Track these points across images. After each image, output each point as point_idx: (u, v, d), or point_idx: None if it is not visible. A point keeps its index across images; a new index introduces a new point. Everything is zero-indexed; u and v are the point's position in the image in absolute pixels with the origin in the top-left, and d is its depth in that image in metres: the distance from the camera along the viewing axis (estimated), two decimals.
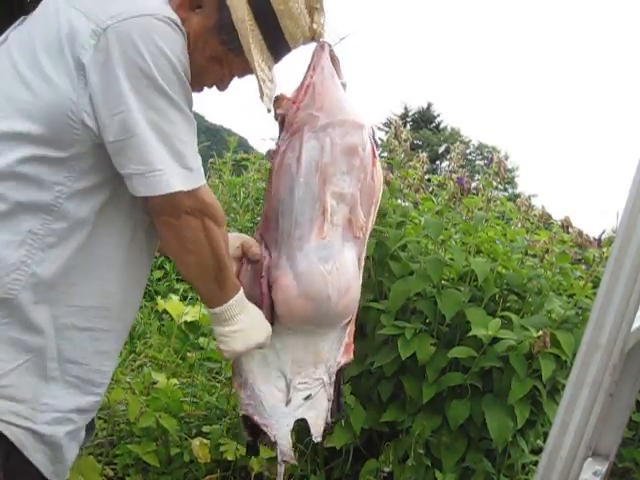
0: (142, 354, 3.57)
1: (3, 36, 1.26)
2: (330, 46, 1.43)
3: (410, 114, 38.68)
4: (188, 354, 3.50)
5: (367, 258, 2.55)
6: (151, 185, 1.15)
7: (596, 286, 2.27)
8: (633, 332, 1.26)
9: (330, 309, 1.42)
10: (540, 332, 2.23)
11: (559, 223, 2.61)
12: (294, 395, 1.51)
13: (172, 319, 3.62)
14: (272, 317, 1.42)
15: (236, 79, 1.38)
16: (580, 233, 2.49)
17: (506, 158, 2.65)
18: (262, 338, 1.38)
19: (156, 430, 2.51)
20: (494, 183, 2.62)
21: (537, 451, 2.62)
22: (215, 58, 1.28)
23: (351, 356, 1.57)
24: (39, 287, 1.15)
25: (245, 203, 5.04)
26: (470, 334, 2.29)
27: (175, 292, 4.29)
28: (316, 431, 1.55)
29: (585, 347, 1.15)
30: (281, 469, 1.53)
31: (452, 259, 2.49)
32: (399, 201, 2.76)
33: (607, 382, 1.16)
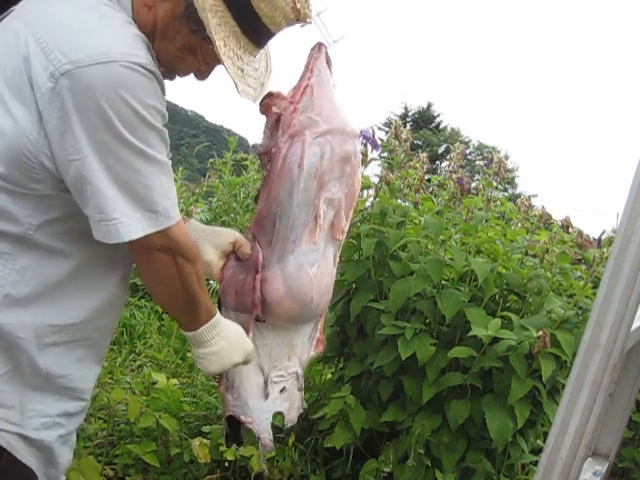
0: (142, 354, 3.57)
1: None
2: (326, 47, 1.43)
3: (410, 114, 38.66)
4: (188, 354, 3.50)
5: (367, 258, 2.56)
6: (105, 233, 1.14)
7: (596, 286, 2.27)
8: (633, 332, 1.26)
9: (311, 309, 1.49)
10: (540, 332, 2.23)
11: (559, 223, 2.61)
12: (271, 388, 1.56)
13: (172, 319, 3.62)
14: (263, 312, 1.46)
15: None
16: (580, 233, 2.49)
17: (506, 158, 2.66)
18: (239, 358, 1.39)
19: (156, 430, 2.51)
20: (494, 183, 2.62)
21: (537, 451, 2.62)
22: (188, 48, 1.21)
23: (321, 348, 1.63)
24: (15, 307, 1.15)
25: (245, 203, 5.03)
26: (470, 334, 2.29)
27: None
28: (290, 419, 1.61)
29: (585, 347, 1.15)
30: (264, 459, 1.65)
31: (452, 259, 2.49)
32: (399, 201, 2.76)
33: (607, 382, 1.16)
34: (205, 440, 2.49)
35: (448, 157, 2.96)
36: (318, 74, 1.41)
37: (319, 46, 1.42)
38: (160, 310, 3.89)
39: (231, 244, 1.47)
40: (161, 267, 1.21)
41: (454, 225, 2.68)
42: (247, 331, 1.44)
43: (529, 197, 2.95)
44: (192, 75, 1.31)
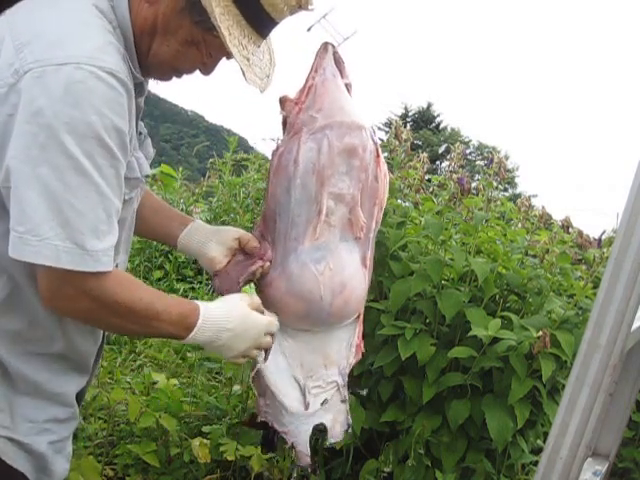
0: (142, 354, 3.57)
1: None
2: (334, 47, 1.44)
3: (410, 114, 38.67)
4: (188, 354, 3.50)
5: None
6: (15, 246, 1.03)
7: (596, 286, 2.27)
8: (633, 332, 1.26)
9: (323, 309, 1.44)
10: (540, 332, 2.23)
11: (559, 223, 2.61)
12: (311, 400, 1.51)
13: None
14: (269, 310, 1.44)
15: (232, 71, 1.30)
16: (580, 233, 2.49)
17: (506, 158, 2.66)
18: (254, 336, 1.32)
19: (156, 430, 2.51)
20: (494, 183, 2.62)
21: (537, 451, 2.62)
22: (191, 41, 1.19)
23: (360, 356, 1.58)
24: None
25: (245, 203, 5.04)
26: (470, 334, 2.29)
27: (175, 292, 4.29)
28: (334, 435, 1.55)
29: (585, 347, 1.15)
30: (294, 473, 1.56)
31: (452, 259, 2.49)
32: (399, 201, 2.76)
33: (607, 382, 1.16)
34: (205, 440, 2.49)
35: (448, 157, 2.96)
36: (323, 72, 1.41)
37: (325, 46, 1.42)
38: None
39: (236, 240, 1.45)
40: (76, 315, 1.14)
41: (454, 225, 2.68)
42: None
43: (529, 197, 2.95)
44: (196, 72, 1.28)
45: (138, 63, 1.19)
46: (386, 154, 2.90)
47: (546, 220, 2.68)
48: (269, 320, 1.36)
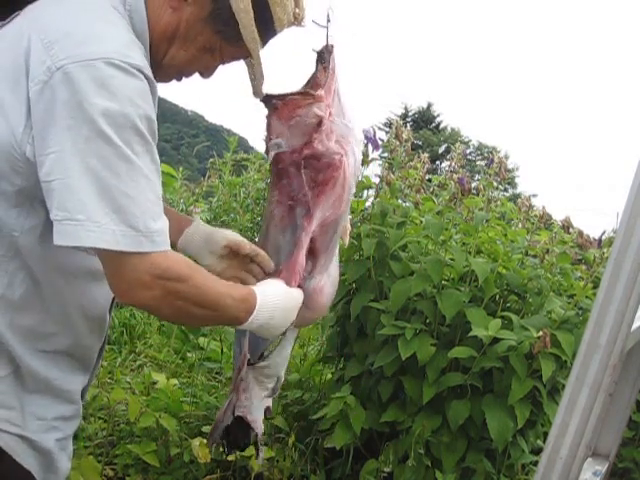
0: (142, 354, 3.57)
1: None
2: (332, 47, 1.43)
3: (410, 114, 38.69)
4: (188, 354, 3.50)
5: (367, 258, 2.56)
6: (63, 234, 1.05)
7: (596, 286, 2.27)
8: (633, 332, 1.26)
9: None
10: (540, 332, 2.23)
11: (559, 223, 2.61)
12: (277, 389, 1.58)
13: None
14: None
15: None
16: (580, 233, 2.49)
17: (506, 158, 2.66)
18: (296, 308, 1.36)
19: (156, 430, 2.51)
20: (495, 183, 2.62)
21: (537, 451, 2.62)
22: (208, 48, 1.25)
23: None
24: (8, 309, 1.15)
25: (245, 203, 5.04)
26: (470, 334, 2.29)
27: None
28: (269, 412, 1.62)
29: (585, 347, 1.15)
30: (262, 454, 1.67)
31: (452, 259, 2.49)
32: (400, 201, 2.76)
33: (607, 382, 1.16)
34: (205, 440, 2.49)
35: (448, 157, 2.96)
36: (337, 78, 1.42)
37: (332, 47, 1.42)
38: None
39: (226, 247, 1.44)
40: (155, 303, 1.13)
41: (454, 225, 2.68)
42: None
43: (529, 197, 2.95)
44: (196, 74, 1.33)
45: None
46: (386, 154, 2.90)
47: (546, 220, 2.68)
48: (300, 292, 1.39)
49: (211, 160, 5.69)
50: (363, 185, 2.74)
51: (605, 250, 2.39)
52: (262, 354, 1.50)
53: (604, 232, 2.44)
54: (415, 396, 2.43)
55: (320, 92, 1.38)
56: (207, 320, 1.26)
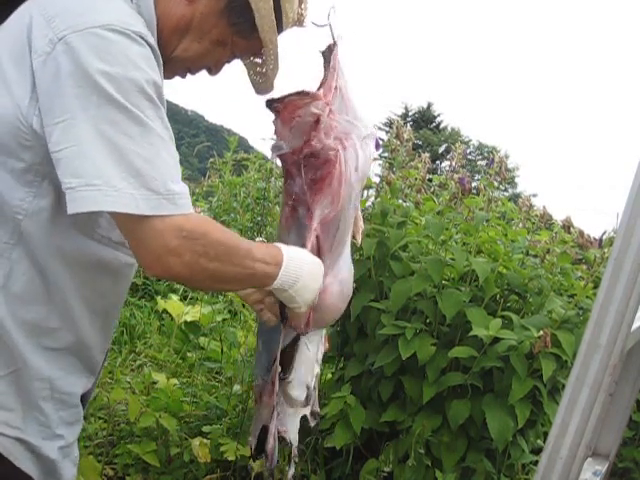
0: (142, 354, 3.57)
1: None
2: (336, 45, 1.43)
3: (410, 114, 38.70)
4: (188, 354, 3.50)
5: (368, 258, 2.56)
6: (78, 201, 1.02)
7: (597, 286, 2.27)
8: (633, 332, 1.26)
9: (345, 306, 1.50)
10: (541, 332, 2.23)
11: (560, 223, 2.61)
12: (311, 396, 1.54)
13: (172, 319, 3.62)
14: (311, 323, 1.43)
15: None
16: (581, 233, 2.49)
17: (506, 158, 2.66)
18: (321, 277, 1.31)
19: (156, 430, 2.51)
20: (495, 183, 2.62)
21: (537, 451, 2.62)
22: (221, 41, 1.25)
23: (328, 345, 1.62)
24: (10, 300, 1.12)
25: (245, 203, 5.04)
26: (471, 334, 2.29)
27: (175, 292, 4.29)
28: (311, 420, 1.59)
29: (585, 347, 1.15)
30: (292, 470, 1.58)
31: (453, 259, 2.49)
32: (400, 201, 2.76)
33: (607, 382, 1.16)
34: (205, 440, 2.50)
35: (448, 157, 2.97)
36: (342, 75, 1.42)
37: (335, 45, 1.42)
38: (160, 310, 3.89)
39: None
40: (186, 271, 1.08)
41: (455, 225, 2.68)
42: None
43: (530, 197, 2.95)
44: (203, 71, 1.33)
45: None
46: (387, 154, 2.90)
47: (547, 220, 2.68)
48: (321, 262, 1.35)
49: (211, 160, 5.69)
50: (364, 185, 2.74)
51: (606, 250, 2.38)
52: (275, 360, 1.45)
53: (605, 232, 2.44)
54: (415, 396, 2.43)
55: (317, 90, 1.38)
56: (240, 280, 1.19)
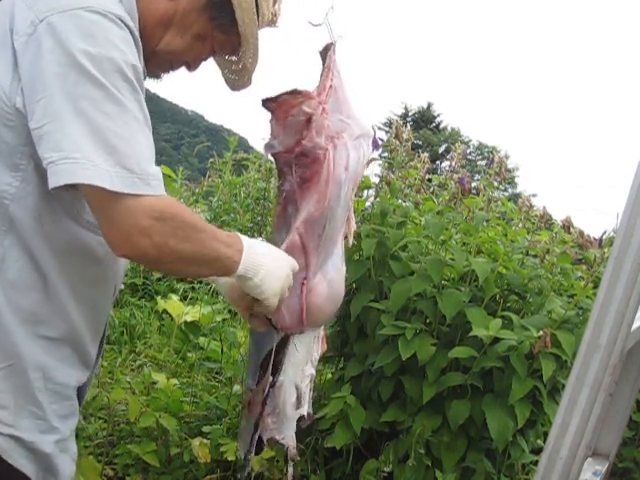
0: (142, 354, 3.57)
1: None
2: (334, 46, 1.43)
3: (410, 114, 38.70)
4: (188, 354, 3.50)
5: (367, 258, 2.56)
6: (58, 174, 1.03)
7: (597, 286, 2.27)
8: (633, 332, 1.26)
9: (338, 308, 1.50)
10: (541, 332, 2.23)
11: (560, 223, 2.61)
12: (303, 400, 1.54)
13: (172, 319, 3.62)
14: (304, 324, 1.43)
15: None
16: (581, 233, 2.49)
17: (506, 158, 2.66)
18: (288, 268, 1.31)
19: (156, 430, 2.51)
20: (495, 183, 2.62)
21: (537, 451, 2.62)
22: (202, 35, 1.29)
23: (325, 347, 1.61)
24: (6, 288, 1.12)
25: (245, 203, 5.05)
26: (471, 334, 2.29)
27: (175, 292, 4.29)
28: (307, 421, 1.59)
29: (585, 347, 1.15)
30: (291, 469, 1.61)
31: (453, 259, 2.49)
32: (400, 201, 2.76)
33: (607, 382, 1.16)
34: (205, 440, 2.50)
35: (448, 157, 2.97)
36: (338, 75, 1.42)
37: (333, 46, 1.42)
38: (160, 310, 3.89)
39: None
40: (155, 251, 1.09)
41: (455, 225, 2.68)
42: None
43: (530, 197, 2.95)
44: (185, 70, 1.36)
45: None
46: (386, 154, 2.90)
47: (547, 220, 2.68)
48: (291, 259, 1.35)
49: (211, 160, 5.70)
50: (363, 185, 2.74)
51: (606, 250, 2.38)
52: (265, 361, 1.46)
53: (605, 232, 2.43)
54: (415, 396, 2.43)
55: (310, 90, 1.38)
56: (206, 263, 1.20)
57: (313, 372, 1.57)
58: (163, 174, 1.16)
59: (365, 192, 2.83)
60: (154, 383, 2.85)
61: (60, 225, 1.15)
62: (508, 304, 2.60)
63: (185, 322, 3.53)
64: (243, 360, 3.01)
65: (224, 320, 3.83)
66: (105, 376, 3.02)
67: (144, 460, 2.43)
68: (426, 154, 2.98)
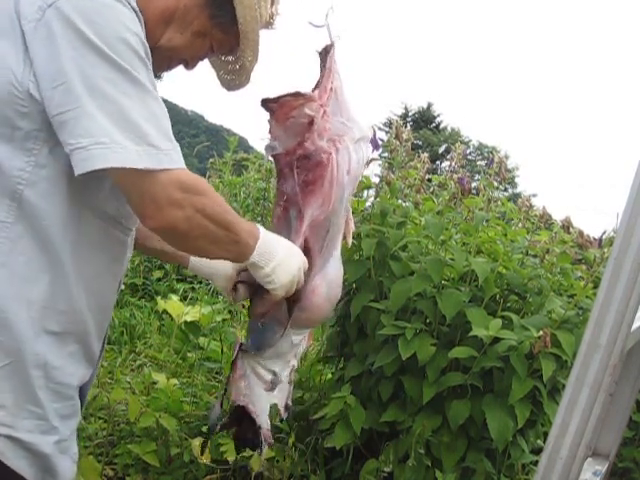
0: (142, 354, 3.57)
1: None
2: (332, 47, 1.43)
3: (410, 114, 38.70)
4: (188, 354, 3.50)
5: (367, 258, 2.56)
6: (88, 160, 1.05)
7: (597, 286, 2.27)
8: (633, 332, 1.25)
9: (334, 307, 1.54)
10: (541, 332, 2.23)
11: (560, 223, 2.61)
12: (278, 384, 1.58)
13: (172, 319, 3.62)
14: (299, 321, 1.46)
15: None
16: (581, 233, 2.49)
17: (506, 158, 2.66)
18: (300, 263, 1.35)
19: (156, 430, 2.51)
20: (495, 183, 2.62)
21: (537, 451, 2.62)
22: (201, 33, 1.30)
23: (311, 341, 1.69)
24: (11, 279, 1.11)
25: (245, 203, 5.05)
26: (470, 334, 2.29)
27: (175, 292, 4.29)
28: (282, 413, 1.63)
29: (585, 347, 1.15)
30: (264, 452, 1.64)
31: (452, 259, 2.49)
32: (400, 201, 2.76)
33: (607, 382, 1.16)
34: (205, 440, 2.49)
35: (448, 157, 2.97)
36: (338, 77, 1.42)
37: (332, 48, 1.42)
38: (160, 310, 3.89)
39: (235, 269, 1.49)
40: (186, 225, 1.13)
41: (455, 225, 2.68)
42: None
43: (529, 197, 2.95)
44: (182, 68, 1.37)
45: None
46: (386, 154, 2.90)
47: (546, 220, 2.68)
48: (301, 253, 1.39)
49: (211, 160, 5.70)
50: (363, 185, 2.74)
51: (605, 250, 2.38)
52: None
53: (604, 232, 2.43)
54: (415, 396, 2.43)
55: (312, 92, 1.38)
56: (225, 244, 1.23)
57: (295, 364, 1.62)
58: None
59: (365, 192, 2.83)
60: (154, 383, 2.85)
61: (72, 211, 1.15)
62: (508, 304, 2.60)
63: (185, 322, 3.53)
64: None
65: (224, 320, 3.83)
66: (105, 376, 3.02)
67: (144, 460, 2.43)
68: (426, 154, 2.97)
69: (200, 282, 4.49)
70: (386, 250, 2.56)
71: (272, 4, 1.36)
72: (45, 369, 1.17)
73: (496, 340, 2.28)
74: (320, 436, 2.61)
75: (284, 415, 1.62)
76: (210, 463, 2.45)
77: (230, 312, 3.98)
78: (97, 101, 1.05)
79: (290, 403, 1.64)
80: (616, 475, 2.92)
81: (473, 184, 2.82)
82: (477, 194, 2.75)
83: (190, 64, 1.36)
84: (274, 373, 1.55)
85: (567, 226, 2.55)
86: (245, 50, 1.34)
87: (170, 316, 3.66)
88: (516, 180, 31.18)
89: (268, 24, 1.37)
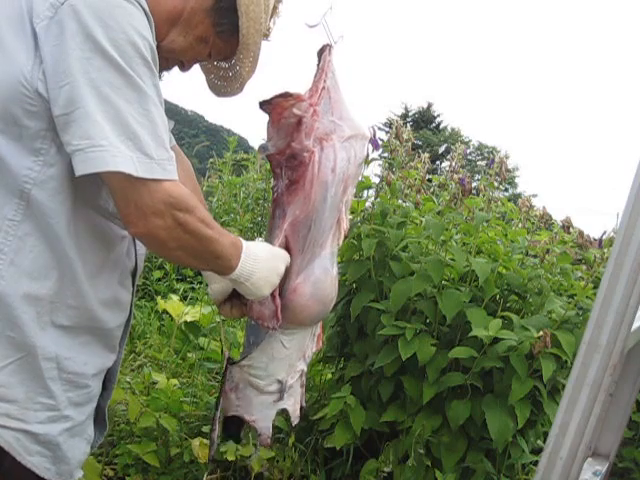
0: (142, 354, 3.57)
1: None
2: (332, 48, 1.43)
3: (410, 114, 38.70)
4: (188, 354, 3.50)
5: (368, 258, 2.56)
6: (87, 162, 1.06)
7: (597, 286, 2.27)
8: (633, 332, 1.26)
9: (329, 309, 1.52)
10: (541, 332, 2.23)
11: (560, 223, 2.61)
12: (286, 392, 1.57)
13: (172, 319, 3.62)
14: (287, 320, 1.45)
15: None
16: (581, 233, 2.49)
17: (506, 158, 2.65)
18: (282, 269, 1.37)
19: (156, 430, 2.51)
20: (495, 183, 2.62)
21: (537, 451, 2.62)
22: (204, 38, 1.31)
23: (321, 345, 1.65)
24: (19, 276, 1.12)
25: (245, 203, 5.04)
26: (471, 334, 2.29)
27: (175, 292, 4.29)
28: (295, 417, 1.61)
29: (585, 347, 1.15)
30: (258, 452, 1.63)
31: (453, 259, 2.49)
32: (400, 201, 2.76)
33: (607, 382, 1.16)
34: (205, 440, 2.49)
35: (448, 157, 2.97)
36: (332, 76, 1.42)
37: (329, 48, 1.42)
38: (160, 310, 3.89)
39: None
40: (165, 234, 1.14)
41: (455, 225, 2.68)
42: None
43: (530, 197, 2.95)
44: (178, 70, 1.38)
45: None
46: (387, 154, 2.90)
47: (547, 220, 2.68)
48: (284, 251, 1.41)
49: (211, 160, 5.69)
50: (363, 185, 2.74)
51: (605, 250, 2.38)
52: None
53: (604, 232, 2.43)
54: (415, 396, 2.43)
55: (301, 92, 1.38)
56: (205, 260, 1.25)
57: (304, 368, 1.61)
58: None
59: (365, 192, 2.83)
60: (154, 383, 2.85)
61: (78, 209, 1.17)
62: (508, 304, 2.60)
63: (185, 322, 3.52)
64: None
65: (224, 320, 3.82)
66: None
67: (144, 460, 2.42)
68: (426, 154, 2.98)
69: (200, 282, 4.49)
70: (386, 250, 2.56)
71: (271, 19, 1.37)
72: (57, 360, 1.19)
73: (496, 340, 2.28)
74: (320, 436, 2.61)
75: (295, 420, 1.61)
76: (210, 463, 2.45)
77: None
78: (99, 105, 1.06)
79: (304, 404, 1.64)
80: (616, 475, 2.92)
81: (473, 184, 2.82)
82: (477, 194, 2.75)
83: (186, 66, 1.37)
84: (279, 381, 1.53)
85: (567, 226, 2.55)
86: (244, 60, 1.35)
87: (170, 316, 3.65)
88: (516, 180, 31.20)
89: (265, 36, 1.38)
